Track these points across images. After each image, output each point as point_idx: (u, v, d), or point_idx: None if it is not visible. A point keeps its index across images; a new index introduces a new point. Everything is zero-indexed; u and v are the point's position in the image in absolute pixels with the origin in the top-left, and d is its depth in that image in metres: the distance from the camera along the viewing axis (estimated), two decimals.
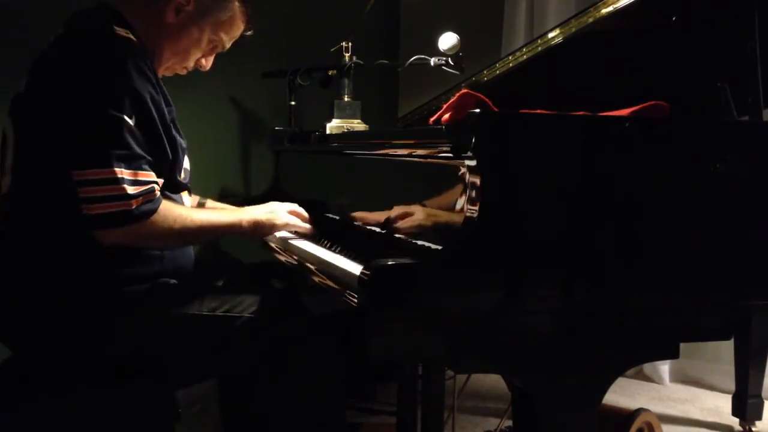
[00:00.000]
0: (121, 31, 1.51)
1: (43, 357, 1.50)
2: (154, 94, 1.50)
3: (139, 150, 1.45)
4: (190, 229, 1.54)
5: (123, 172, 1.41)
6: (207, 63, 1.74)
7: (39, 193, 1.49)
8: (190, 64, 1.71)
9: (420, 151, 1.50)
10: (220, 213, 1.66)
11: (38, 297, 1.48)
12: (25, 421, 1.42)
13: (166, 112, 1.54)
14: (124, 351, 1.49)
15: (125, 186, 1.41)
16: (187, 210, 1.58)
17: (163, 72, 1.68)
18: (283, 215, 1.72)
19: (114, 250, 1.47)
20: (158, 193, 1.48)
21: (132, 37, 1.52)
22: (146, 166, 1.46)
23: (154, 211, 1.46)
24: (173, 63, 1.68)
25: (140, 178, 1.44)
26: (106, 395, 1.46)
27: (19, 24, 2.15)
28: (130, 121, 1.43)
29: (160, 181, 1.52)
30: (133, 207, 1.42)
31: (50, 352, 1.49)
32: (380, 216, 1.62)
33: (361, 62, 2.31)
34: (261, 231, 1.69)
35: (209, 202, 1.99)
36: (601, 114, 1.39)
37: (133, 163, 1.43)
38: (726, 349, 2.64)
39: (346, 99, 2.27)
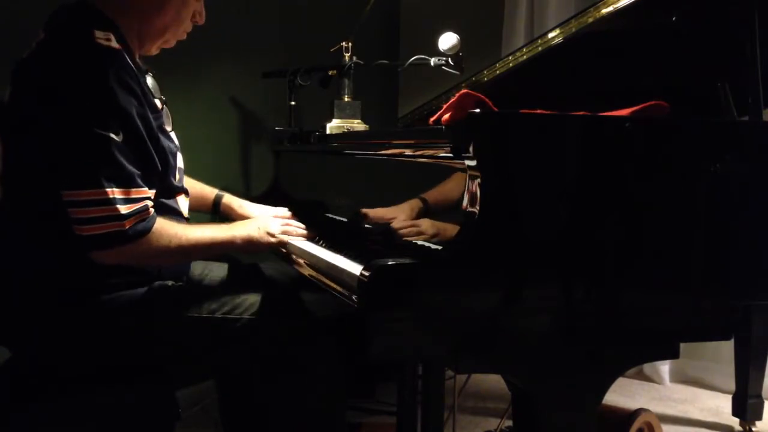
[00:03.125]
0: (102, 38, 1.46)
1: (42, 358, 1.50)
2: (139, 106, 1.47)
3: (130, 167, 1.43)
4: (185, 247, 1.52)
5: (114, 192, 1.40)
6: (201, 17, 1.69)
7: (32, 200, 1.48)
8: (187, 26, 1.67)
9: (420, 151, 1.50)
10: (215, 229, 1.62)
11: (37, 299, 1.48)
12: (25, 421, 1.42)
13: (152, 120, 1.52)
14: (123, 352, 1.49)
15: (117, 206, 1.40)
16: (183, 228, 1.56)
17: (162, 45, 1.66)
18: (277, 231, 1.69)
19: None
20: (152, 210, 1.47)
21: (113, 44, 1.47)
22: (139, 182, 1.45)
23: (149, 230, 1.44)
24: (170, 34, 1.64)
25: (133, 196, 1.43)
26: (106, 395, 1.46)
27: (9, 25, 2.14)
28: (118, 138, 1.41)
29: (153, 192, 1.50)
30: (127, 227, 1.41)
31: (49, 354, 1.49)
32: (380, 216, 1.62)
33: (361, 62, 2.31)
34: (255, 248, 1.68)
35: (227, 196, 1.97)
36: (601, 114, 1.39)
37: (124, 181, 1.42)
38: (726, 349, 2.64)
39: (346, 99, 2.27)
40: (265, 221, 1.72)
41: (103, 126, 1.40)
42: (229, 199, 1.97)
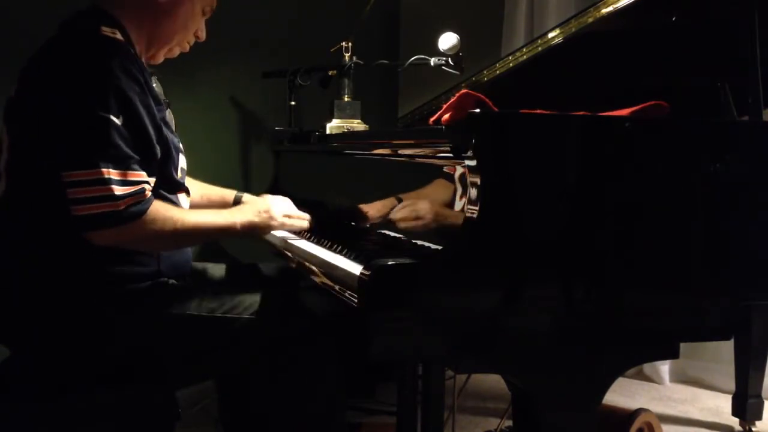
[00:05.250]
0: (108, 31, 1.50)
1: (42, 357, 1.50)
2: (141, 94, 1.49)
3: (127, 150, 1.44)
4: (182, 231, 1.51)
5: (111, 173, 1.40)
6: (202, 33, 1.72)
7: (33, 195, 1.48)
8: (191, 37, 1.70)
9: (420, 151, 1.50)
10: (214, 215, 1.62)
11: (36, 297, 1.48)
12: (24, 421, 1.42)
13: (156, 111, 1.53)
14: (123, 351, 1.49)
15: (113, 186, 1.40)
16: (180, 211, 1.56)
17: (166, 55, 1.68)
18: (278, 216, 1.69)
19: (110, 250, 1.47)
20: (149, 193, 1.47)
21: (119, 37, 1.51)
22: (136, 166, 1.45)
23: (144, 212, 1.44)
24: (175, 42, 1.67)
25: (130, 178, 1.43)
26: (106, 395, 1.46)
27: (17, 26, 2.15)
28: (118, 121, 1.42)
29: (152, 180, 1.51)
30: (121, 208, 1.41)
31: (49, 353, 1.49)
32: (380, 216, 1.62)
33: (361, 62, 2.31)
34: (256, 233, 1.68)
35: (246, 196, 1.96)
36: (601, 114, 1.39)
37: (121, 163, 1.42)
38: (726, 349, 2.64)
39: (346, 99, 2.27)
40: (267, 204, 1.70)
41: (103, 107, 1.41)
42: (249, 198, 1.97)
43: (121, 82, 1.44)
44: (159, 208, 1.48)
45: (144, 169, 1.47)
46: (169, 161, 1.58)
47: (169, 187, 1.60)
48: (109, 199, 1.40)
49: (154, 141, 1.51)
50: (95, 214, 1.40)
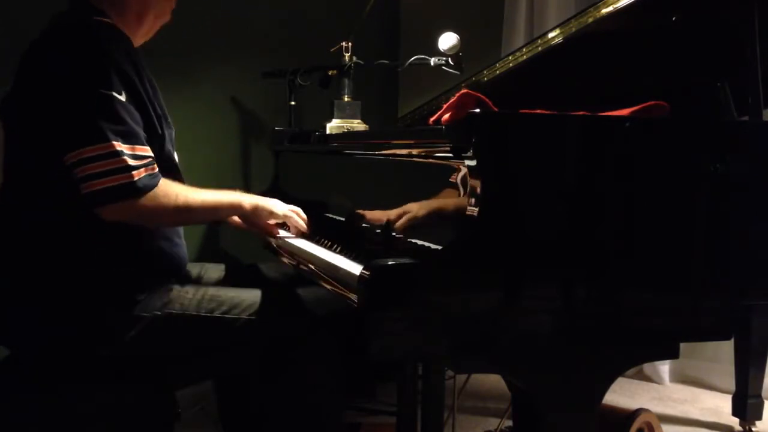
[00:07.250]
0: (99, 18, 1.52)
1: (42, 357, 1.50)
2: (137, 74, 1.51)
3: (134, 125, 1.45)
4: (192, 205, 1.53)
5: (121, 146, 1.41)
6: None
7: (32, 192, 1.49)
8: (168, 15, 1.71)
9: (420, 151, 1.50)
10: (221, 192, 1.65)
11: (35, 296, 1.48)
12: (23, 421, 1.42)
13: (151, 92, 1.55)
14: (123, 351, 1.49)
15: (126, 158, 1.41)
16: (188, 188, 1.58)
17: (150, 35, 1.70)
18: (282, 207, 1.72)
19: (108, 247, 1.47)
20: (157, 167, 1.48)
21: (110, 20, 1.54)
22: (143, 140, 1.47)
23: (156, 185, 1.46)
24: (157, 22, 1.68)
25: (138, 153, 1.44)
26: (106, 395, 1.46)
27: (13, 26, 2.15)
28: (121, 98, 1.44)
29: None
30: (135, 179, 1.42)
31: (48, 352, 1.49)
32: (380, 216, 1.62)
33: (361, 62, 2.31)
34: (260, 214, 1.68)
35: None
36: (601, 114, 1.39)
37: (130, 138, 1.43)
38: (726, 349, 2.64)
39: (346, 99, 2.27)
40: (273, 200, 1.74)
41: (106, 85, 1.42)
42: None
43: (119, 61, 1.46)
44: (168, 182, 1.50)
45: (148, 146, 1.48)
46: (164, 142, 1.59)
47: (166, 171, 1.59)
48: (123, 171, 1.41)
49: (155, 119, 1.53)
50: (110, 187, 1.41)
